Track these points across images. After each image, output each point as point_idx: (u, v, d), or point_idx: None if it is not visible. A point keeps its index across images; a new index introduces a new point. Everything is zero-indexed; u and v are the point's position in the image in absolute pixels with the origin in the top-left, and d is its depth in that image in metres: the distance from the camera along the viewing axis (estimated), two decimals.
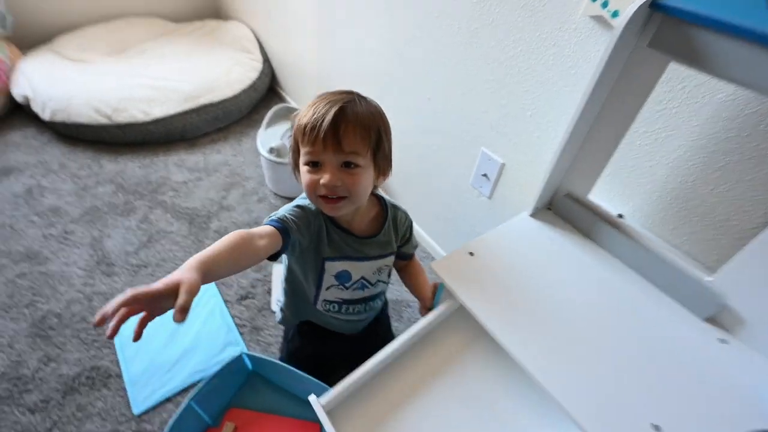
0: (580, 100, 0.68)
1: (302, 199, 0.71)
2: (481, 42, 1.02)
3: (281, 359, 0.99)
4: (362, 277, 0.79)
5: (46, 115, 1.77)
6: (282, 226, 0.63)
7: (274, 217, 0.65)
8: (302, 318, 0.89)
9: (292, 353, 0.97)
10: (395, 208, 0.80)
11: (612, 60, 0.61)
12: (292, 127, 0.68)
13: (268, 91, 2.25)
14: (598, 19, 0.78)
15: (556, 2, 0.83)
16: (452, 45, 1.10)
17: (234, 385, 1.01)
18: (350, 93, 0.65)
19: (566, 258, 0.78)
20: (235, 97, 1.99)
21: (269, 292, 1.36)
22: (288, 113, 1.84)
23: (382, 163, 0.68)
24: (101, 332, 1.21)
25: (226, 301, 1.31)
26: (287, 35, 1.96)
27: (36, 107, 1.78)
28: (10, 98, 1.88)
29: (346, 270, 0.76)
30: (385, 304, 1.02)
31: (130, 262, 1.40)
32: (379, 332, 1.00)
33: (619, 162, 0.85)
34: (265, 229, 0.61)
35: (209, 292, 1.33)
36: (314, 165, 0.63)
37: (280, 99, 2.26)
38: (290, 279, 0.82)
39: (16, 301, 1.26)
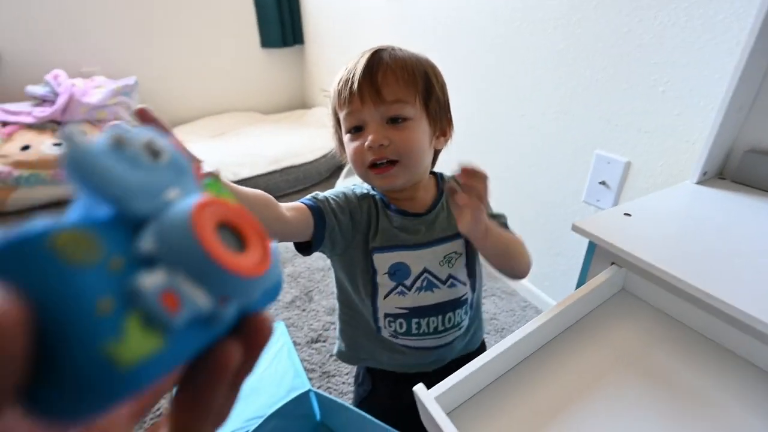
0: (748, 33, 0.55)
1: (347, 187, 0.58)
2: (586, 30, 0.94)
3: None
4: (426, 270, 0.57)
5: None
6: (314, 205, 0.50)
7: (308, 197, 0.52)
8: (365, 357, 0.65)
9: (364, 401, 0.71)
10: (453, 177, 0.62)
11: None
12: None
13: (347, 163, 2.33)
14: None
15: None
16: (547, 48, 1.04)
17: None
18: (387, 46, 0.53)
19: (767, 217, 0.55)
20: (316, 161, 2.07)
21: None
22: None
23: (438, 116, 0.54)
24: None
25: (295, 343, 1.12)
26: None
27: None
28: None
29: (401, 262, 0.56)
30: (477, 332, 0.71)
31: None
32: None
33: None
34: (294, 203, 0.49)
35: (278, 331, 1.15)
36: (357, 130, 0.51)
37: None
38: (343, 298, 0.63)
39: None
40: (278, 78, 2.83)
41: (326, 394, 0.73)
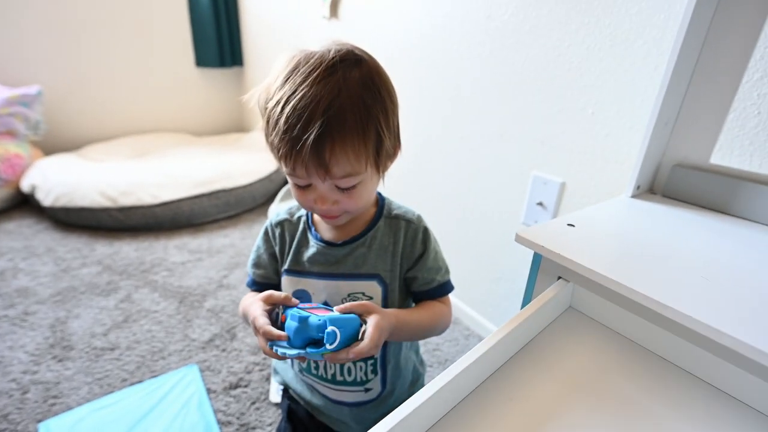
0: (669, 55, 0.59)
1: (267, 221, 0.61)
2: (519, 53, 0.95)
3: None
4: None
5: (48, 201, 1.67)
6: (253, 284, 0.60)
7: (247, 278, 0.62)
8: (286, 381, 0.66)
9: None
10: (399, 217, 0.56)
11: None
12: (260, 108, 0.49)
13: (284, 184, 2.21)
14: None
15: None
16: (483, 71, 1.04)
17: None
18: (332, 72, 0.43)
19: (699, 229, 0.57)
20: (250, 186, 1.92)
21: (268, 379, 1.00)
22: None
23: (389, 158, 0.50)
24: None
25: (209, 390, 0.95)
26: None
27: (40, 194, 1.70)
28: (19, 192, 1.83)
29: (303, 289, 0.56)
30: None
31: (94, 344, 1.09)
32: None
33: (742, 113, 0.66)
34: (251, 294, 0.57)
35: (188, 377, 0.97)
36: (302, 187, 0.48)
37: None
38: None
39: None
40: (214, 99, 2.68)
41: None
